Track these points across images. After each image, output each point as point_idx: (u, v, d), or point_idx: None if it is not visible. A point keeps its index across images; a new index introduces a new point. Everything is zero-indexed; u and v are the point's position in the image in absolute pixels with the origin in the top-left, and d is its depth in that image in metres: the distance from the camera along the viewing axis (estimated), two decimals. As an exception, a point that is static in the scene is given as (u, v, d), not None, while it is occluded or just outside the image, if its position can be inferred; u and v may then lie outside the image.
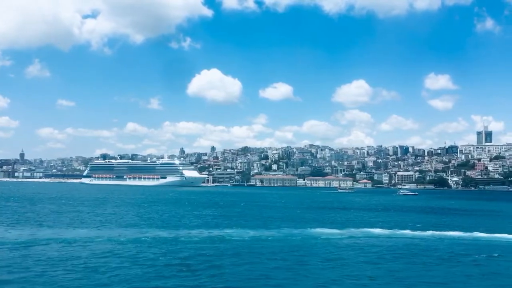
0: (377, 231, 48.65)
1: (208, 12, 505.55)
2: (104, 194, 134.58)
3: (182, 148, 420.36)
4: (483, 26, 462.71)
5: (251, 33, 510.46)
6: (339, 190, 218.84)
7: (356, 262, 30.22)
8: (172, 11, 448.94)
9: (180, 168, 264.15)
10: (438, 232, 48.41)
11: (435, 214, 79.34)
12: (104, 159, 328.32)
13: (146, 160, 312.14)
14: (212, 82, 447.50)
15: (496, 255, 33.92)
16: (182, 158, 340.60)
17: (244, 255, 31.65)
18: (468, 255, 33.76)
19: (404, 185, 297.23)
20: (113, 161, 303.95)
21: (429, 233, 47.92)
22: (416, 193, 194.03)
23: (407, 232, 48.38)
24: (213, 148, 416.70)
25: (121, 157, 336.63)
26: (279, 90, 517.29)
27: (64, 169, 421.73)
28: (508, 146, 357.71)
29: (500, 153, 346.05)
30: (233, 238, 40.60)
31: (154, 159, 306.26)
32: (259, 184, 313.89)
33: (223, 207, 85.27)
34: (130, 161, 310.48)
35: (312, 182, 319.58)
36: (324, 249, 35.07)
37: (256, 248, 34.97)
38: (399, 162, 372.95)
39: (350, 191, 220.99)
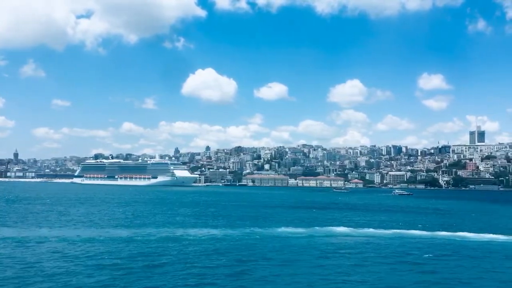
0: (340, 229, 48.99)
1: (201, 13, 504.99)
2: (90, 194, 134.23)
3: (177, 148, 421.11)
4: (474, 27, 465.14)
5: (245, 33, 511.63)
6: (334, 190, 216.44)
7: (292, 261, 30.45)
8: (166, 11, 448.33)
9: (171, 168, 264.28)
10: (400, 231, 48.77)
11: (410, 213, 79.57)
12: (96, 159, 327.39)
13: (138, 160, 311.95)
14: (208, 82, 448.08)
15: (442, 253, 34.21)
16: (173, 158, 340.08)
17: (188, 255, 31.73)
18: (411, 254, 33.95)
19: (395, 185, 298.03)
20: (104, 161, 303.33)
21: (391, 231, 48.23)
22: (411, 193, 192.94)
23: (370, 230, 48.65)
24: (207, 148, 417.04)
25: (114, 157, 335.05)
26: (273, 90, 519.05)
27: (58, 169, 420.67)
28: (500, 146, 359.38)
29: (491, 152, 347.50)
30: (189, 237, 40.68)
31: (146, 159, 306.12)
32: (250, 184, 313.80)
33: (200, 207, 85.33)
34: (121, 161, 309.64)
35: (304, 182, 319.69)
36: (273, 249, 35.13)
37: (205, 247, 35.08)
38: (392, 162, 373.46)
39: (345, 191, 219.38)
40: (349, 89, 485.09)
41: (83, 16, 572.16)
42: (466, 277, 26.73)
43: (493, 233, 46.97)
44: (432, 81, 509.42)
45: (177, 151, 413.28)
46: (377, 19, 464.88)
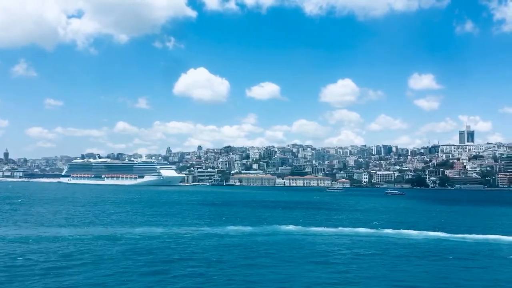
0: (287, 228, 49.07)
1: (192, 13, 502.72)
2: (69, 193, 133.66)
3: (169, 148, 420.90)
4: (462, 28, 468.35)
5: (235, 33, 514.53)
6: (328, 190, 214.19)
7: (215, 261, 30.43)
8: (156, 12, 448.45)
9: (158, 167, 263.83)
10: (347, 229, 48.97)
11: (372, 212, 79.92)
12: (83, 158, 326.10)
13: (125, 160, 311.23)
14: (200, 81, 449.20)
15: (365, 251, 34.37)
16: (160, 158, 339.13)
17: (108, 254, 31.45)
18: (332, 252, 34.09)
19: (382, 185, 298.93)
20: (91, 160, 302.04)
21: (338, 229, 48.44)
22: (404, 193, 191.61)
23: (317, 229, 48.62)
24: (199, 148, 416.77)
25: (104, 157, 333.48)
26: (266, 89, 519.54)
27: (48, 168, 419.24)
28: (488, 146, 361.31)
29: (479, 152, 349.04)
30: (127, 236, 40.47)
31: (132, 158, 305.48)
32: (238, 183, 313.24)
33: (168, 206, 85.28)
34: (108, 160, 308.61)
35: (291, 181, 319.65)
36: (200, 247, 35.12)
37: (132, 246, 34.85)
38: (381, 161, 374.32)
39: (338, 190, 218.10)
40: (341, 89, 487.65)
41: (74, 16, 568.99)
42: (367, 274, 26.96)
43: (440, 231, 47.38)
44: (422, 81, 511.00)
45: (169, 150, 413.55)
46: (365, 20, 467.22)
